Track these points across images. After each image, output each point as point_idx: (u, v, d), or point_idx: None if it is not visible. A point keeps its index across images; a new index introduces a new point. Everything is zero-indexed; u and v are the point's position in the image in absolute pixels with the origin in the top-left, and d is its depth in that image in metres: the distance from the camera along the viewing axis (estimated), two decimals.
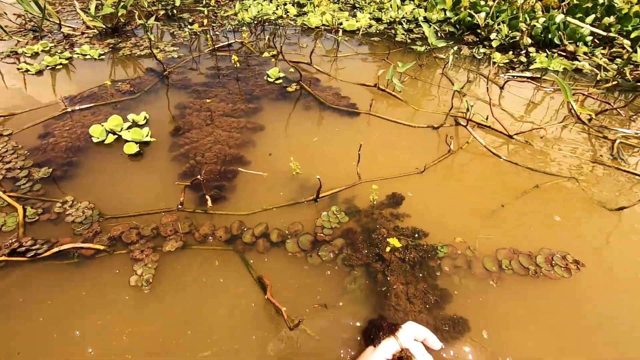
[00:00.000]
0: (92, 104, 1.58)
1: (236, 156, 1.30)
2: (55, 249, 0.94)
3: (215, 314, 0.83)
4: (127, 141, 1.33)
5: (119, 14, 2.37)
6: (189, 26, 2.59)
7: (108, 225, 1.04)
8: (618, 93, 1.80)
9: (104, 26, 2.43)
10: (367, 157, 1.26)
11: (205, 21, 2.37)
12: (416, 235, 0.99)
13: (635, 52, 1.93)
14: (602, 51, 2.20)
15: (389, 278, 0.87)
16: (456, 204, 1.12)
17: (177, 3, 2.89)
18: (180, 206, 1.08)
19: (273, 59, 2.09)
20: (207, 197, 1.03)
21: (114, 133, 1.37)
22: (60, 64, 1.98)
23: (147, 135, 1.35)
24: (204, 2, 3.13)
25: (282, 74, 1.85)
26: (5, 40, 2.32)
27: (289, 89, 1.75)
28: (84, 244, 0.96)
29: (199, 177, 0.99)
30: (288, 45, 2.33)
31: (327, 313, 0.82)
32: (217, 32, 2.50)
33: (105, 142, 1.35)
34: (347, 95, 1.71)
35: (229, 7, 3.14)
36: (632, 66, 1.97)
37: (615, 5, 2.31)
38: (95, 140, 1.34)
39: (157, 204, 1.10)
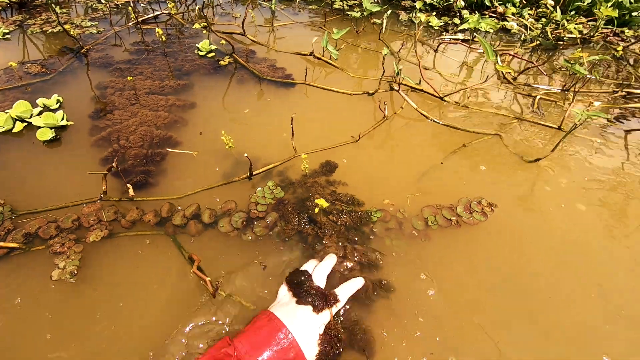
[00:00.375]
0: None
1: (165, 137, 1.23)
2: None
3: (147, 297, 0.80)
4: (39, 127, 1.20)
5: None
6: None
7: (22, 221, 0.95)
8: (541, 52, 1.90)
9: (7, 1, 2.14)
10: (304, 127, 1.24)
11: None
12: (351, 204, 1.00)
13: (556, 11, 2.02)
14: (530, 11, 2.29)
15: (324, 241, 0.88)
16: (390, 168, 1.15)
17: None
18: (103, 195, 1.01)
19: (205, 31, 1.97)
20: (129, 185, 0.97)
21: (23, 120, 1.24)
22: None
23: (62, 119, 1.23)
24: None
25: (214, 47, 1.75)
26: None
27: (222, 63, 1.66)
28: None
29: (113, 165, 0.92)
30: (221, 15, 2.20)
31: (260, 285, 0.82)
32: (141, 4, 2.30)
33: (13, 130, 1.22)
34: (283, 67, 1.66)
35: None
36: (553, 25, 2.07)
37: None
38: (0, 129, 1.21)
39: (78, 194, 1.02)
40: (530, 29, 2.07)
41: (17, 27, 1.96)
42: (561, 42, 1.98)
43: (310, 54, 1.71)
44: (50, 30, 1.93)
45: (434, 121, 1.34)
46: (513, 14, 2.23)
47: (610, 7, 1.81)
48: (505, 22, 2.16)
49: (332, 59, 1.69)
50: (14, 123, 1.22)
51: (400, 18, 2.27)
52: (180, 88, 1.48)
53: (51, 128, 1.20)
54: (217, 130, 1.27)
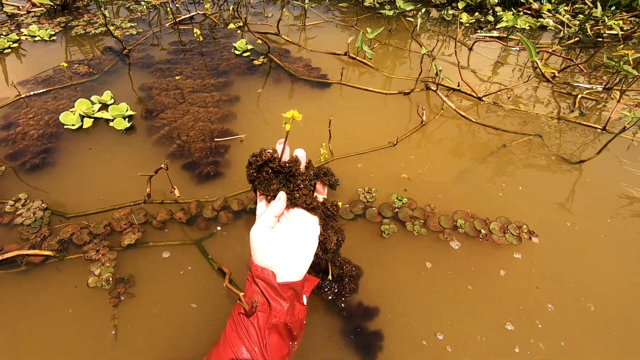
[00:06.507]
0: (49, 88, 1.49)
1: (222, 130, 1.29)
2: None
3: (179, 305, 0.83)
4: (107, 121, 1.30)
5: None
6: None
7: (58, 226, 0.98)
8: (580, 49, 1.85)
9: (51, 3, 2.24)
10: (341, 128, 1.26)
11: None
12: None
13: (596, 7, 1.97)
14: (565, 7, 2.23)
15: None
16: (428, 169, 1.16)
17: None
18: (147, 198, 1.03)
19: (239, 31, 2.01)
20: (174, 187, 0.98)
21: (89, 117, 1.31)
22: (10, 47, 1.83)
23: (127, 110, 1.31)
24: None
25: (249, 46, 1.79)
26: None
27: (256, 62, 1.70)
28: (30, 250, 0.90)
29: (162, 165, 0.94)
30: (254, 15, 2.24)
31: None
32: (177, 5, 2.37)
33: (84, 127, 1.29)
34: (318, 66, 1.68)
35: None
36: (592, 22, 2.01)
37: None
38: (70, 127, 1.27)
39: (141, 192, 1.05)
40: (568, 26, 2.03)
41: (62, 29, 2.06)
42: (600, 39, 1.93)
43: (345, 54, 1.73)
44: (92, 32, 2.02)
45: (475, 122, 1.33)
46: (549, 10, 2.18)
47: None
48: (541, 19, 2.11)
49: (367, 59, 1.70)
50: (82, 120, 1.30)
51: (431, 15, 2.25)
52: (222, 85, 1.53)
53: (124, 118, 1.29)
54: (261, 129, 1.31)
